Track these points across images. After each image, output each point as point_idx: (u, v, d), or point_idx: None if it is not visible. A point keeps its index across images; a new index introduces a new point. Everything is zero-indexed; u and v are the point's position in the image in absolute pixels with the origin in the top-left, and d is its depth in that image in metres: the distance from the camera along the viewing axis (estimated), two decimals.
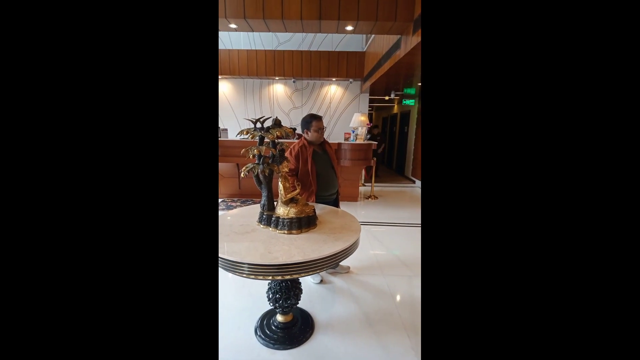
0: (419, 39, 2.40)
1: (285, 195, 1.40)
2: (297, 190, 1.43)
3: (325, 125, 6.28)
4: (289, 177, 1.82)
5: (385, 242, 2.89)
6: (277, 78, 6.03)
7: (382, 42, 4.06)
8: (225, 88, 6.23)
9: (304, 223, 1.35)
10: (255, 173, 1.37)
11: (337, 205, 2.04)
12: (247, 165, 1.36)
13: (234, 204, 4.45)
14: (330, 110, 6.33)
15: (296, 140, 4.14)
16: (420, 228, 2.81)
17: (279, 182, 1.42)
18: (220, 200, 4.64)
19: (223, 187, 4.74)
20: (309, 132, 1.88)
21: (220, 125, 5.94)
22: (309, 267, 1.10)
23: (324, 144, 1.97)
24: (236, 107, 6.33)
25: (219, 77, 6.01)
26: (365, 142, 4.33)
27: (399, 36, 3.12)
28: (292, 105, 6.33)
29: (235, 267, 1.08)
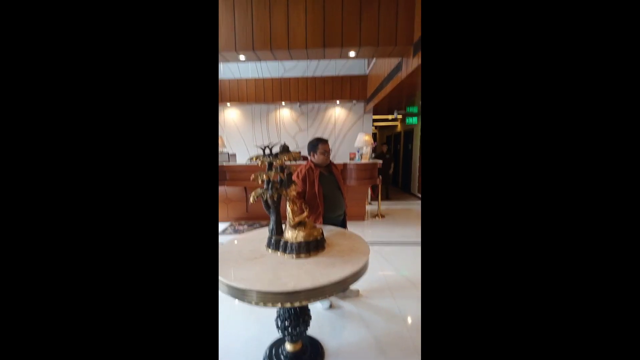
0: (419, 61, 2.49)
1: (294, 218, 1.41)
2: (305, 214, 1.44)
3: (330, 146, 6.40)
4: (297, 200, 1.83)
5: (394, 262, 2.83)
6: (283, 103, 6.23)
7: (383, 65, 4.20)
8: (235, 115, 6.45)
9: (313, 246, 1.35)
10: (265, 198, 1.39)
11: (344, 226, 2.03)
12: (256, 191, 1.39)
13: (241, 227, 4.45)
14: (335, 132, 6.45)
15: (303, 163, 4.21)
16: None
17: (287, 206, 1.44)
18: (227, 224, 4.65)
19: (231, 211, 4.78)
20: (315, 155, 1.93)
21: (229, 150, 6.08)
22: (319, 292, 1.08)
23: (330, 166, 2.01)
24: (244, 133, 6.51)
25: (229, 104, 6.25)
26: (371, 161, 4.37)
27: (399, 59, 3.23)
28: (298, 128, 6.48)
29: (243, 294, 1.08)
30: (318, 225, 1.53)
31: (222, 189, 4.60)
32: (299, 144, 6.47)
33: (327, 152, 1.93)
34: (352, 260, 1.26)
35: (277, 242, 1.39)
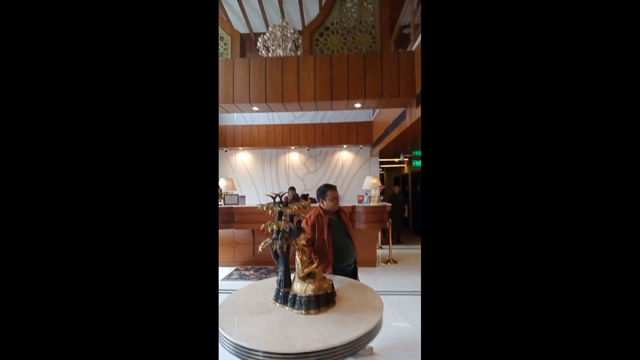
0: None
1: (303, 270, 1.38)
2: (315, 265, 1.41)
3: (338, 189, 6.44)
4: (306, 249, 1.81)
5: (408, 314, 2.64)
6: (292, 147, 6.48)
7: (388, 113, 4.42)
8: (246, 158, 6.70)
9: (322, 301, 1.29)
10: (274, 248, 1.38)
11: (355, 276, 1.96)
12: (265, 241, 1.39)
13: (247, 272, 4.33)
14: (342, 174, 6.56)
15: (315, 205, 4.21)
16: None
17: (296, 256, 1.42)
18: (233, 268, 4.53)
19: (237, 255, 4.69)
20: (324, 202, 1.94)
21: (239, 192, 6.19)
22: (330, 355, 1.01)
23: (339, 212, 2.00)
24: (255, 175, 6.68)
25: (241, 148, 6.53)
26: (380, 203, 4.35)
27: (403, 108, 3.41)
28: (306, 170, 6.63)
29: (249, 354, 1.01)
30: (327, 276, 1.48)
31: (229, 232, 4.58)
32: (307, 186, 6.56)
33: (335, 198, 1.94)
34: (364, 317, 1.20)
35: (285, 296, 1.34)
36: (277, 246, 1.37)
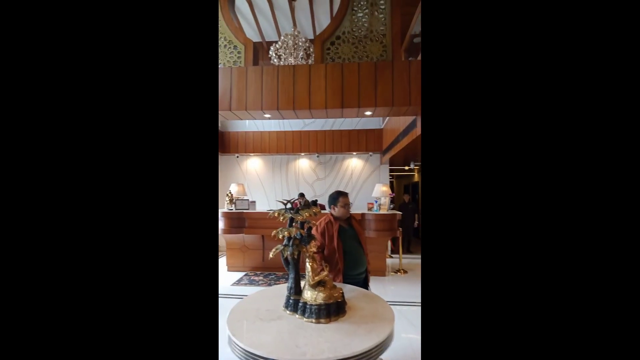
0: None
1: (313, 277, 1.38)
2: (326, 273, 1.40)
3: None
4: (317, 257, 1.80)
5: (419, 325, 2.58)
6: (302, 154, 6.52)
7: (398, 120, 4.40)
8: (256, 164, 6.78)
9: (333, 310, 1.28)
10: (285, 255, 1.39)
11: (366, 285, 1.93)
12: (276, 247, 1.40)
13: (256, 277, 4.34)
14: (352, 181, 6.54)
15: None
16: None
17: (307, 263, 1.42)
18: (243, 273, 4.55)
19: (247, 260, 4.71)
20: (335, 208, 1.92)
21: (249, 197, 6.26)
22: None
23: (350, 219, 1.99)
24: (265, 181, 6.74)
25: (252, 154, 6.62)
26: (390, 212, 4.31)
27: (414, 116, 3.39)
28: (315, 177, 6.65)
29: None
30: (338, 285, 1.47)
31: (240, 237, 4.62)
32: (317, 192, 6.56)
33: (347, 205, 1.92)
34: (376, 328, 1.18)
35: (295, 303, 1.34)
36: (288, 253, 1.38)
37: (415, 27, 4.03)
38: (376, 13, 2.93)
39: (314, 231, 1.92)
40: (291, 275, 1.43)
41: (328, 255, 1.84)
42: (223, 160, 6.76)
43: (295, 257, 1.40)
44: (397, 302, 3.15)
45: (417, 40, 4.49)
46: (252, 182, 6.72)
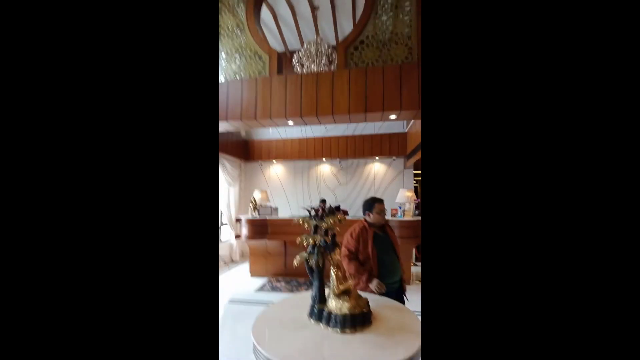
0: None
1: (338, 286, 1.34)
2: (350, 283, 1.36)
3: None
4: (351, 265, 1.77)
5: None
6: (324, 160, 6.53)
7: None
8: (279, 170, 6.88)
9: (359, 321, 1.24)
10: (309, 264, 1.37)
11: (401, 294, 1.86)
12: (301, 254, 1.38)
13: (278, 284, 4.35)
14: (374, 187, 6.42)
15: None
16: None
17: (332, 272, 1.38)
18: (265, 279, 4.59)
19: (269, 265, 4.75)
20: (371, 214, 1.88)
21: (272, 204, 6.34)
22: None
23: (385, 226, 1.93)
24: (287, 187, 6.82)
25: (275, 161, 6.74)
26: (414, 218, 4.16)
27: None
28: (337, 182, 6.61)
29: None
30: (363, 294, 1.43)
31: (262, 242, 4.68)
32: (338, 198, 6.51)
33: (383, 211, 1.88)
34: (404, 341, 1.12)
35: (320, 313, 1.31)
36: (313, 261, 1.35)
37: None
38: (401, 15, 2.89)
39: (348, 236, 1.89)
40: (315, 284, 1.40)
41: (363, 262, 1.80)
42: (247, 167, 6.92)
43: (320, 265, 1.37)
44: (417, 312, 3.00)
45: None
46: (275, 189, 6.82)
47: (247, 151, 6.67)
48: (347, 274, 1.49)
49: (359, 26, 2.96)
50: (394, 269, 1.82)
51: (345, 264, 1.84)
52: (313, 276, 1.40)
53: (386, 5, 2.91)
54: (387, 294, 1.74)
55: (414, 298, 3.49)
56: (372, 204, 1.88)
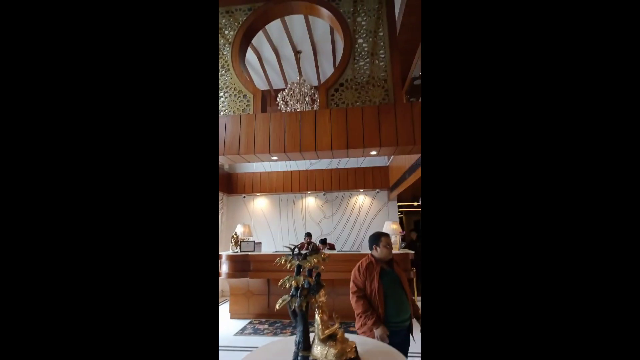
0: None
1: (323, 331, 1.28)
2: (336, 326, 1.30)
3: (355, 234, 6.27)
4: (359, 300, 1.71)
5: None
6: (309, 192, 6.55)
7: (404, 157, 4.46)
8: (263, 203, 6.79)
9: None
10: (292, 307, 1.31)
11: (409, 334, 1.78)
12: (283, 298, 1.32)
13: (261, 326, 4.07)
14: (360, 219, 6.44)
15: (327, 251, 4.06)
16: None
17: (316, 315, 1.33)
18: (247, 321, 4.29)
19: (251, 306, 4.47)
20: (377, 249, 1.83)
21: (255, 238, 6.16)
22: None
23: (392, 262, 1.89)
24: (271, 220, 6.69)
25: (259, 194, 6.68)
26: (402, 251, 4.14)
27: (419, 155, 3.43)
28: (322, 215, 6.58)
29: None
30: (350, 338, 1.36)
31: (244, 281, 4.44)
32: (324, 231, 6.44)
33: (389, 245, 1.84)
34: None
35: None
36: (296, 305, 1.29)
37: (415, 70, 4.28)
38: (376, 61, 3.14)
39: (354, 271, 1.85)
40: (299, 329, 1.33)
41: (371, 299, 1.73)
42: (230, 201, 6.81)
43: (304, 309, 1.31)
44: (417, 354, 2.86)
45: (417, 82, 4.74)
46: (259, 222, 6.68)
47: (230, 184, 6.60)
48: (334, 317, 1.42)
49: (339, 70, 3.17)
50: (403, 306, 1.74)
51: (352, 301, 1.78)
52: (296, 320, 1.33)
53: (363, 53, 3.18)
54: (395, 333, 1.66)
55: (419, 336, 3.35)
56: (379, 237, 1.85)
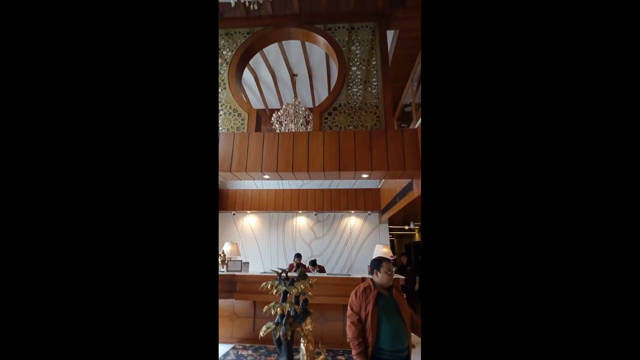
0: None
1: None
2: (323, 357, 1.26)
3: (347, 256, 6.19)
4: (352, 325, 1.67)
5: None
6: (300, 212, 6.50)
7: (395, 181, 4.52)
8: (253, 221, 6.69)
9: None
10: (277, 336, 1.26)
11: None
12: (267, 325, 1.28)
13: (245, 352, 3.87)
14: (351, 240, 6.38)
15: (316, 274, 3.96)
16: None
17: (301, 344, 1.28)
18: (230, 346, 4.08)
19: (236, 329, 4.28)
20: (378, 273, 1.81)
21: (244, 257, 6.00)
22: None
23: (392, 288, 1.84)
24: (260, 239, 6.57)
25: (249, 212, 6.59)
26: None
27: (410, 179, 3.49)
28: (313, 235, 6.50)
29: None
30: None
31: (229, 303, 4.27)
32: (314, 252, 6.33)
33: (391, 271, 1.81)
34: None
35: None
36: (281, 333, 1.25)
37: (406, 98, 4.44)
38: (369, 88, 3.26)
39: (352, 295, 1.80)
40: (283, 358, 1.27)
41: (367, 325, 1.67)
42: (219, 217, 6.68)
43: (289, 337, 1.27)
44: None
45: (408, 109, 4.91)
46: (247, 240, 6.54)
47: (220, 200, 6.51)
48: (320, 347, 1.37)
49: (333, 94, 3.28)
50: (399, 334, 1.68)
51: (347, 325, 1.75)
52: (281, 349, 1.28)
53: (356, 80, 3.30)
54: None
55: None
56: (380, 262, 1.83)
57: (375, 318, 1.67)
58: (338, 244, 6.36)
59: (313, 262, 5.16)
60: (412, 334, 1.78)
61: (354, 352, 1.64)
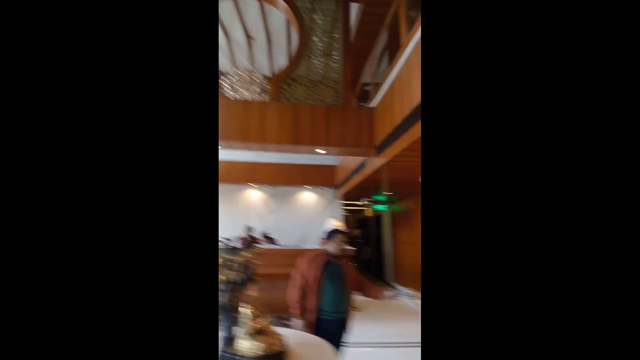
0: (383, 160, 2.81)
1: (251, 326, 1.26)
2: (265, 322, 1.30)
3: (300, 230, 6.32)
4: (292, 289, 1.71)
5: None
6: (254, 185, 6.37)
7: (352, 158, 4.65)
8: None
9: None
10: (220, 303, 1.26)
11: (342, 328, 1.87)
12: None
13: None
14: (306, 215, 6.51)
15: (266, 245, 4.00)
16: (418, 348, 2.55)
17: (245, 310, 1.30)
18: None
19: None
20: (332, 243, 1.84)
21: None
22: None
23: (342, 257, 1.92)
24: None
25: None
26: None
27: (365, 157, 3.62)
28: (267, 209, 6.47)
29: None
30: (278, 330, 1.37)
31: None
32: (268, 225, 6.34)
33: (344, 241, 1.88)
34: None
35: (231, 356, 1.19)
36: (225, 299, 1.25)
37: (366, 76, 4.47)
38: (330, 62, 3.20)
39: (301, 262, 1.84)
40: (226, 324, 1.29)
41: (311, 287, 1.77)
42: None
43: (233, 304, 1.28)
44: (350, 343, 3.02)
45: (368, 88, 4.97)
46: None
47: None
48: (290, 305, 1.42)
49: (293, 64, 3.15)
50: (340, 298, 1.82)
51: (290, 287, 1.82)
52: (224, 316, 1.29)
53: (317, 51, 3.20)
54: (326, 323, 1.72)
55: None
56: (334, 233, 1.87)
57: (319, 281, 1.79)
58: (292, 218, 6.45)
59: (265, 235, 5.19)
60: (361, 296, 1.96)
61: (295, 312, 1.75)
